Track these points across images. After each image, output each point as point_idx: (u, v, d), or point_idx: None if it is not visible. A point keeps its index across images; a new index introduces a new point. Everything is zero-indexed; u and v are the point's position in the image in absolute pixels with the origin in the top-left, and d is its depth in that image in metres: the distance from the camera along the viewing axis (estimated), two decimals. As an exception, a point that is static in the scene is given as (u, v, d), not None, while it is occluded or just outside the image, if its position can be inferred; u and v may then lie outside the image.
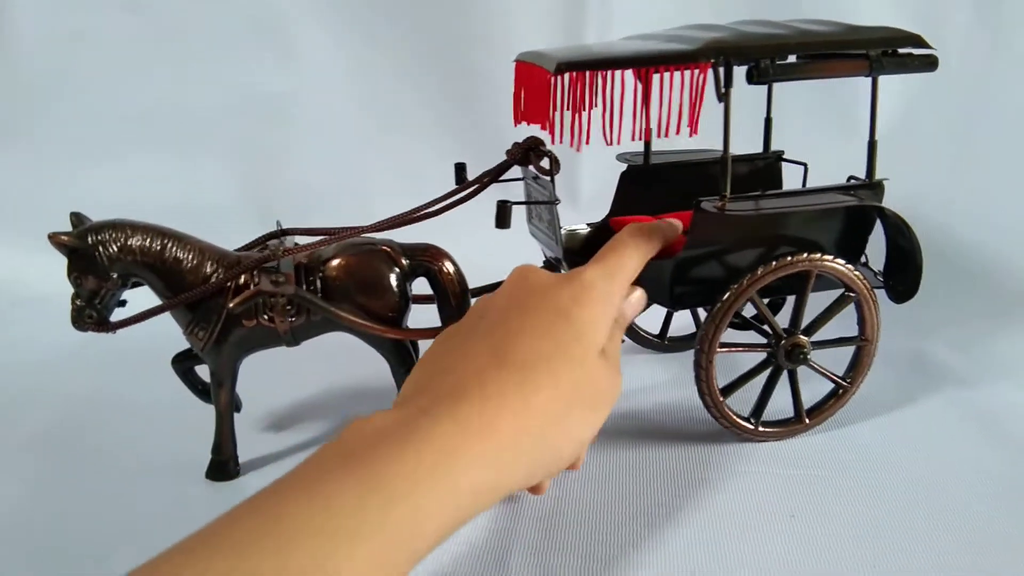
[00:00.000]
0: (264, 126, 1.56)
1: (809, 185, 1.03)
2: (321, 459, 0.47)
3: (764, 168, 1.12)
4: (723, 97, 0.84)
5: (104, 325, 0.84)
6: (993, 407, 1.03)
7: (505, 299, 0.61)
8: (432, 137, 1.55)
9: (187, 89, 1.54)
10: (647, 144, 1.09)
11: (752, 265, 0.89)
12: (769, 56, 0.84)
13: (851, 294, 0.92)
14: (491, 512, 0.83)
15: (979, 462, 0.91)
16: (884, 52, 0.87)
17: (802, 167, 1.06)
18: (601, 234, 1.08)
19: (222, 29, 1.52)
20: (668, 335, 1.22)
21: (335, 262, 0.88)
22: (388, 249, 0.90)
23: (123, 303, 0.86)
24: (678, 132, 0.86)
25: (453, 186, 0.93)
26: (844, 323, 0.96)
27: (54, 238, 0.79)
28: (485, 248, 1.07)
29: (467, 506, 0.47)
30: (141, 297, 0.87)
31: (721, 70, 0.83)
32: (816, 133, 1.32)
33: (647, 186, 1.09)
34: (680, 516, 0.83)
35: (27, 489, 0.90)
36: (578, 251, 1.07)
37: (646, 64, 0.83)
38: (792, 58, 0.89)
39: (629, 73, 0.85)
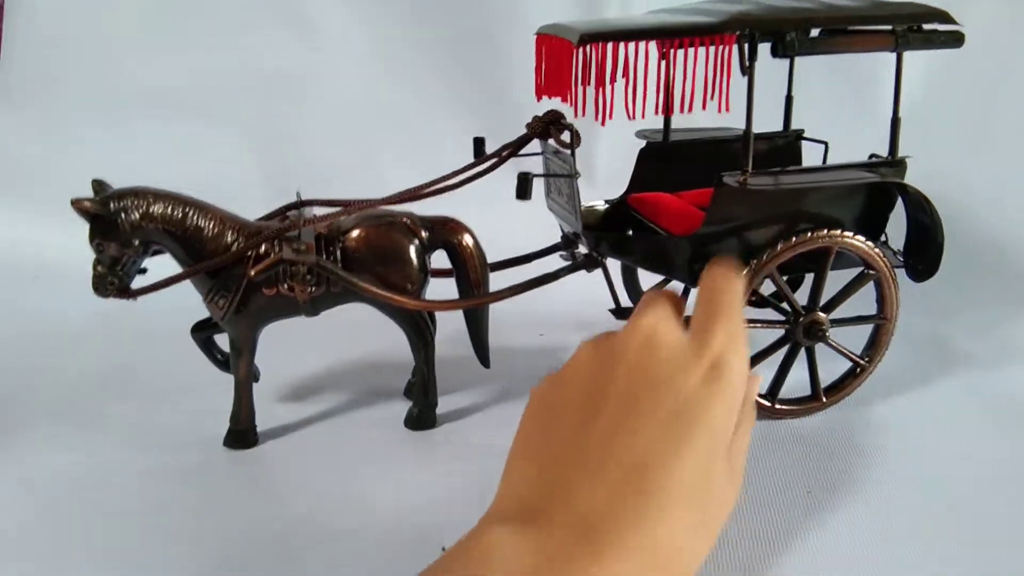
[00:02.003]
0: (281, 99, 1.56)
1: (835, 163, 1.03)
2: None
3: (784, 147, 1.11)
4: (747, 71, 0.84)
5: (125, 291, 0.84)
6: (1010, 389, 1.02)
7: (628, 377, 0.47)
8: (450, 111, 1.54)
9: (205, 62, 1.53)
10: (667, 121, 1.08)
11: (772, 241, 0.89)
12: (795, 30, 0.83)
13: (871, 272, 0.92)
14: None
15: (995, 444, 0.91)
16: (910, 28, 0.86)
17: (823, 146, 1.06)
18: (619, 210, 1.07)
19: (237, 3, 1.52)
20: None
21: (355, 233, 0.88)
22: (408, 221, 0.90)
23: (144, 271, 0.87)
24: (704, 107, 0.86)
25: (471, 160, 0.93)
26: (863, 302, 0.95)
27: (77, 203, 0.80)
28: (504, 223, 1.08)
29: None
30: (161, 267, 0.87)
31: (746, 44, 0.82)
32: (836, 113, 1.30)
33: (666, 163, 1.09)
34: None
35: (47, 458, 0.90)
36: (596, 227, 1.07)
37: (670, 35, 0.83)
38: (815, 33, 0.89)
39: (653, 47, 0.84)
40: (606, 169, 1.53)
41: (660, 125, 1.09)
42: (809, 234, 0.88)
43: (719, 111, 0.83)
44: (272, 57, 1.54)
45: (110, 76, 1.52)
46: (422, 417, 0.95)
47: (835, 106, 1.32)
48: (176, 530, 0.78)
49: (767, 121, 1.11)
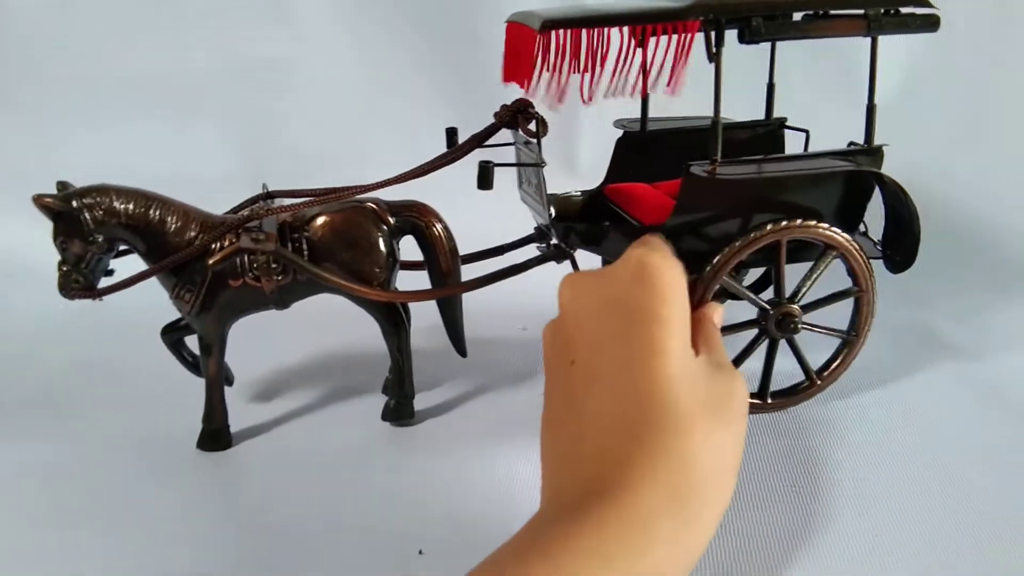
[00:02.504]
0: (262, 92, 1.56)
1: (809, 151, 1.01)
2: None
3: (766, 135, 1.09)
4: (714, 58, 0.82)
5: (91, 291, 0.84)
6: (994, 377, 1.01)
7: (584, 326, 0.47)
8: (429, 102, 1.53)
9: (182, 54, 1.53)
10: (644, 110, 1.06)
11: (742, 233, 0.87)
12: (761, 14, 0.81)
13: (831, 251, 0.90)
14: (486, 483, 0.83)
15: (981, 432, 0.89)
16: (884, 11, 0.84)
17: (804, 134, 1.03)
18: (595, 201, 1.06)
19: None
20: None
21: (320, 221, 0.88)
22: (374, 206, 0.89)
23: (110, 272, 0.87)
24: (660, 91, 0.84)
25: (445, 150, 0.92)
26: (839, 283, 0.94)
27: (39, 200, 0.80)
28: (476, 215, 1.07)
29: None
30: (129, 266, 0.87)
31: (712, 30, 0.80)
32: (822, 100, 1.28)
33: (643, 153, 1.07)
34: None
35: (17, 459, 0.90)
36: (572, 218, 1.06)
37: (634, 22, 0.81)
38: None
39: (616, 33, 0.83)
40: (587, 160, 1.51)
41: (640, 114, 1.07)
42: (769, 227, 0.86)
43: (667, 95, 0.81)
44: (250, 50, 1.54)
45: (88, 70, 1.52)
46: (399, 409, 0.94)
47: (821, 93, 1.29)
48: (148, 532, 0.78)
49: (754, 107, 1.09)
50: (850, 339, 0.94)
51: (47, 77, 1.52)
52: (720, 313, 0.50)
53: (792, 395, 0.95)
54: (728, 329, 0.92)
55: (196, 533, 0.77)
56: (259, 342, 1.00)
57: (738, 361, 0.94)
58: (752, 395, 0.93)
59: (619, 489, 0.38)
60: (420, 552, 0.73)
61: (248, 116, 1.56)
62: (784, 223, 0.87)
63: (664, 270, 0.44)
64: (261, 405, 1.01)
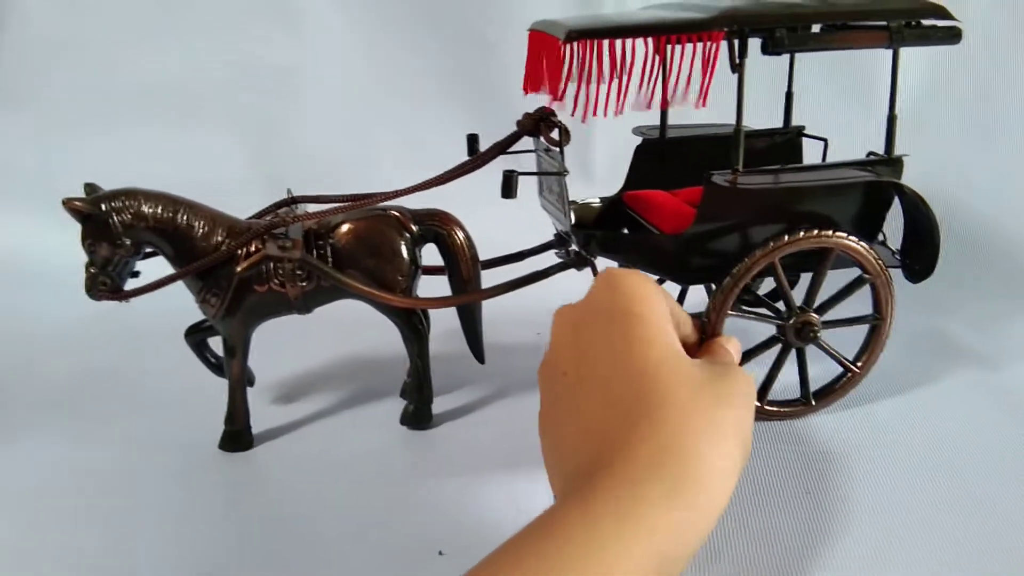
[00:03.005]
0: (272, 97, 1.57)
1: (829, 161, 1.01)
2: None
3: (784, 143, 1.09)
4: (737, 68, 0.83)
5: (118, 293, 0.85)
6: (1011, 385, 1.01)
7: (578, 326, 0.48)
8: (443, 108, 1.54)
9: (194, 60, 1.54)
10: (663, 117, 1.07)
11: (764, 241, 0.88)
12: (785, 26, 0.82)
13: (866, 276, 0.91)
14: (504, 485, 0.84)
15: (998, 442, 0.90)
16: (906, 23, 0.84)
17: (822, 143, 1.04)
18: (614, 208, 1.07)
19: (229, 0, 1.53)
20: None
21: (344, 228, 0.89)
22: (397, 214, 0.90)
23: (136, 274, 0.88)
24: (689, 102, 0.85)
25: (464, 157, 0.92)
26: (862, 304, 0.94)
27: (68, 204, 0.81)
28: (497, 221, 1.07)
29: None
30: (155, 268, 0.88)
31: (735, 40, 0.81)
32: (841, 109, 1.29)
33: (662, 160, 1.08)
34: None
35: (39, 461, 0.91)
36: (590, 225, 1.06)
37: (659, 33, 0.82)
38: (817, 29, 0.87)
39: (641, 43, 0.84)
40: (603, 166, 1.52)
41: (658, 121, 1.08)
42: (801, 234, 0.87)
43: (695, 107, 0.82)
44: (262, 56, 1.55)
45: (101, 76, 1.53)
46: (418, 414, 0.95)
47: (840, 102, 1.30)
48: (171, 533, 0.78)
49: (772, 116, 1.10)
50: (854, 371, 0.95)
51: (60, 83, 1.54)
52: (736, 345, 0.51)
53: (786, 408, 0.95)
54: (745, 315, 0.93)
55: (216, 533, 0.78)
56: (281, 345, 1.01)
57: (747, 357, 0.94)
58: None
59: (606, 471, 0.39)
60: (440, 553, 0.74)
61: (259, 121, 1.57)
62: (825, 232, 0.87)
63: (630, 275, 0.46)
64: (282, 407, 1.01)
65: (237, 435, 0.92)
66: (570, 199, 0.95)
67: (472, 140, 0.96)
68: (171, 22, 1.53)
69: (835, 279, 0.93)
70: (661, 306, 0.45)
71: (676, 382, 0.41)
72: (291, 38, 1.55)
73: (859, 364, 0.95)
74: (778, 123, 1.10)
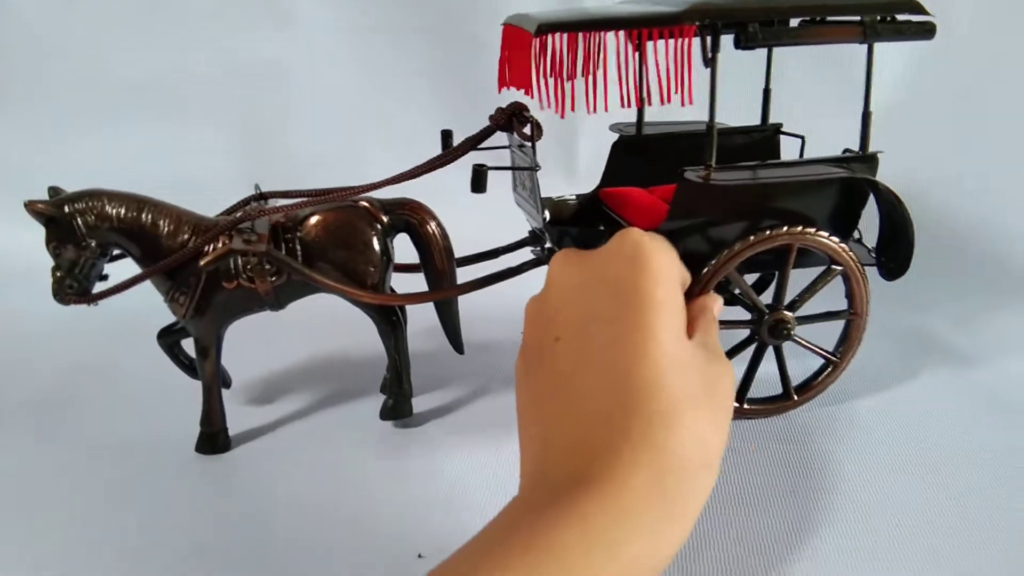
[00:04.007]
0: (261, 95, 1.56)
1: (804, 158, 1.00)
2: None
3: (761, 141, 1.09)
4: (709, 63, 0.82)
5: (85, 296, 0.83)
6: (993, 381, 1.01)
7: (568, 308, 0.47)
8: (432, 106, 1.53)
9: (181, 58, 1.53)
10: (640, 114, 1.06)
11: (737, 238, 0.87)
12: (758, 20, 0.81)
13: (836, 267, 0.90)
14: (486, 485, 0.84)
15: (980, 436, 0.90)
16: (880, 18, 0.83)
17: (800, 140, 1.03)
18: (590, 205, 1.06)
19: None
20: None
21: (313, 220, 0.87)
22: (367, 205, 0.89)
23: (105, 277, 0.86)
24: (669, 100, 0.84)
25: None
26: (837, 298, 0.93)
27: (31, 206, 0.80)
28: (471, 217, 1.06)
29: None
30: (123, 270, 0.87)
31: (708, 35, 0.80)
32: (821, 106, 1.28)
33: (639, 157, 1.07)
34: None
35: (14, 463, 0.90)
36: (566, 221, 1.06)
37: (629, 26, 0.81)
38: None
39: (612, 37, 0.83)
40: (586, 164, 1.51)
41: (636, 118, 1.07)
42: (768, 232, 0.86)
43: (682, 104, 0.81)
44: (248, 52, 1.54)
45: (88, 74, 1.53)
46: (397, 408, 0.94)
47: (820, 99, 1.29)
48: (145, 536, 0.77)
49: (752, 113, 1.09)
50: (834, 361, 0.94)
51: (47, 81, 1.53)
52: (719, 304, 0.50)
53: (768, 405, 0.95)
54: (723, 324, 0.92)
55: (194, 536, 0.77)
56: (256, 344, 1.00)
57: (748, 379, 0.94)
58: None
59: (603, 481, 0.38)
60: (420, 556, 0.73)
61: (248, 119, 1.57)
62: (779, 230, 0.86)
63: (661, 252, 0.44)
64: (259, 407, 1.00)
65: (213, 437, 0.91)
66: (543, 195, 0.94)
67: (446, 135, 0.95)
68: (159, 19, 1.53)
69: (811, 276, 0.92)
70: (678, 289, 0.44)
71: (676, 398, 0.41)
72: (280, 36, 1.54)
73: (838, 355, 0.94)
74: (757, 120, 1.09)
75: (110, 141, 1.51)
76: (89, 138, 1.51)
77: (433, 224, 0.91)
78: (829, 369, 0.95)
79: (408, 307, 0.95)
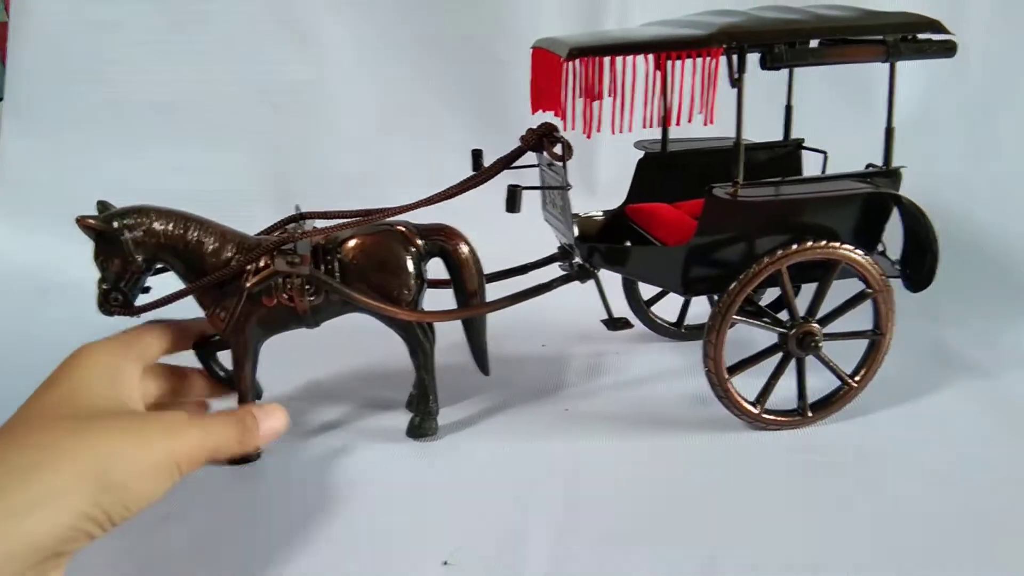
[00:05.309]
0: (287, 116, 1.59)
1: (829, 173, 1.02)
2: None
3: (784, 156, 1.11)
4: (736, 83, 0.84)
5: (129, 308, 0.86)
6: (1013, 396, 1.02)
7: None
8: (454, 125, 1.55)
9: (210, 79, 1.56)
10: (664, 131, 1.08)
11: (765, 253, 0.89)
12: (783, 41, 0.83)
13: (868, 291, 0.92)
14: (509, 494, 0.85)
15: (999, 452, 0.90)
16: (902, 37, 0.86)
17: (822, 155, 1.05)
18: (616, 221, 1.08)
19: (242, 19, 1.55)
20: (685, 323, 1.22)
21: (351, 243, 0.90)
22: (403, 230, 0.92)
23: (147, 289, 0.89)
24: (690, 120, 0.86)
25: (471, 173, 0.94)
26: (863, 317, 0.95)
27: (82, 221, 0.82)
28: (502, 236, 1.08)
29: None
30: (165, 284, 0.89)
31: (735, 56, 0.83)
32: (841, 122, 1.30)
33: (664, 173, 1.09)
34: (698, 501, 0.83)
35: None
36: (593, 238, 1.08)
37: (658, 50, 0.84)
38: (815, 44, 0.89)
39: (641, 59, 0.85)
40: (606, 180, 1.53)
41: (659, 135, 1.09)
42: (810, 243, 0.88)
43: (704, 124, 0.83)
44: (275, 74, 1.57)
45: (118, 95, 1.56)
46: (423, 426, 0.96)
47: (840, 114, 1.31)
48: (173, 546, 0.79)
49: (774, 129, 1.11)
50: (852, 385, 0.96)
51: (81, 101, 1.56)
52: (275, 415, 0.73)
53: (783, 417, 0.96)
54: (748, 321, 0.94)
55: (222, 545, 0.79)
56: (289, 358, 1.01)
57: (746, 364, 0.95)
58: (748, 402, 0.95)
59: None
60: (445, 563, 0.75)
61: (274, 139, 1.59)
62: (805, 245, 0.88)
63: (78, 354, 0.69)
64: (292, 419, 1.02)
65: None
66: (573, 212, 0.96)
67: (476, 155, 0.97)
68: (190, 43, 1.56)
69: (834, 292, 0.94)
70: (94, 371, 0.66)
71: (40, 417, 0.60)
72: (305, 57, 1.57)
73: (857, 379, 0.96)
74: (778, 135, 1.11)
75: (140, 161, 1.54)
76: (119, 159, 1.54)
77: (466, 249, 0.94)
78: (845, 390, 0.96)
79: (437, 325, 0.97)
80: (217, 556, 0.78)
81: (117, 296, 0.85)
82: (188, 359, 0.90)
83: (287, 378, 1.10)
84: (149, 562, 0.77)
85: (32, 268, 1.47)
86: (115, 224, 0.83)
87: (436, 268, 0.97)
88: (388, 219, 0.92)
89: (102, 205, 0.85)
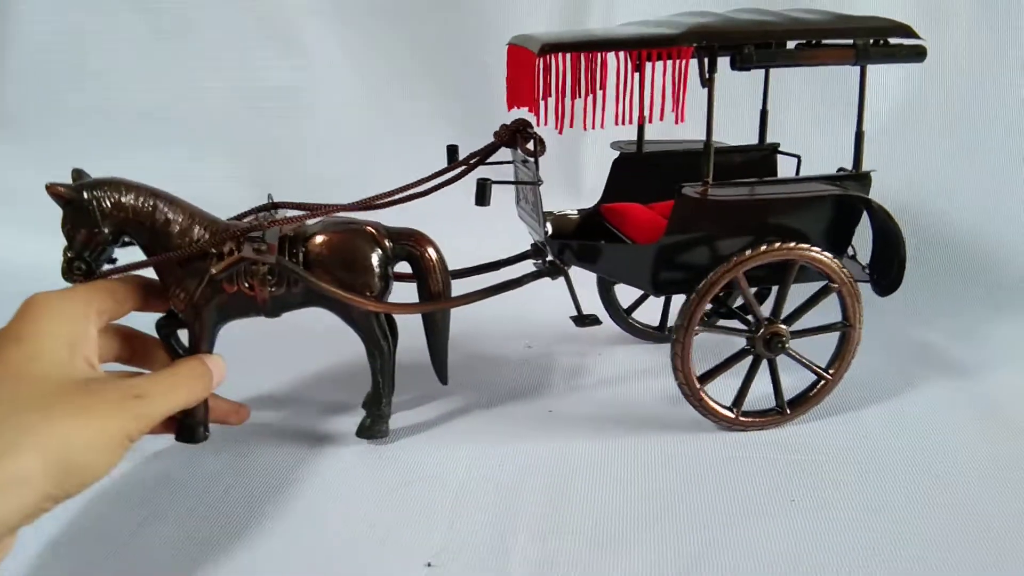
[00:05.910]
0: (272, 120, 1.60)
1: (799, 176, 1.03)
2: None
3: (759, 160, 1.11)
4: (707, 83, 0.84)
5: (91, 278, 0.86)
6: (993, 393, 1.02)
7: None
8: (439, 129, 1.55)
9: (195, 84, 1.57)
10: (640, 132, 1.09)
11: (734, 253, 0.89)
12: (753, 42, 0.84)
13: (832, 285, 0.92)
14: (493, 495, 0.84)
15: (980, 448, 0.91)
16: (873, 42, 0.86)
17: (796, 159, 1.06)
18: (591, 220, 1.08)
19: (226, 25, 1.56)
20: (668, 326, 1.21)
21: (319, 238, 0.90)
22: (372, 230, 0.91)
23: (114, 261, 0.89)
24: (662, 118, 0.87)
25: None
26: (829, 313, 0.95)
27: (52, 188, 0.82)
28: (474, 231, 1.09)
29: None
30: (133, 257, 0.88)
31: (705, 56, 0.83)
32: (819, 126, 1.31)
33: (639, 174, 1.10)
34: (681, 501, 0.83)
35: None
36: (568, 236, 1.08)
37: (629, 47, 0.84)
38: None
39: (612, 56, 0.85)
40: (592, 181, 1.54)
41: (636, 136, 1.10)
42: (764, 247, 0.88)
43: (676, 122, 0.84)
44: (264, 78, 1.58)
45: (103, 101, 1.57)
46: (373, 428, 0.95)
47: (818, 119, 1.31)
48: (153, 551, 0.78)
49: (751, 133, 1.11)
50: (826, 377, 0.96)
51: (66, 108, 1.57)
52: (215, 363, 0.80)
53: (761, 418, 0.96)
54: (711, 329, 0.94)
55: (184, 549, 0.78)
56: (246, 357, 0.99)
57: (718, 371, 0.95)
58: (724, 407, 0.95)
59: None
60: (429, 564, 0.74)
61: (260, 144, 1.60)
62: (792, 244, 0.89)
63: (35, 300, 0.70)
64: (257, 413, 1.00)
65: (193, 428, 0.90)
66: (548, 210, 0.96)
67: (452, 151, 0.98)
68: (174, 48, 1.57)
69: (805, 292, 0.94)
70: (54, 327, 0.69)
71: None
72: (291, 62, 1.58)
73: (831, 371, 0.96)
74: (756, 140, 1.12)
75: (126, 167, 1.50)
76: (106, 164, 1.52)
77: (434, 254, 0.94)
78: (822, 384, 0.97)
79: (412, 326, 0.97)
80: (177, 555, 0.76)
81: (80, 265, 0.84)
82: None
83: (249, 376, 1.05)
84: (80, 557, 0.76)
85: (17, 273, 1.45)
86: (84, 195, 0.83)
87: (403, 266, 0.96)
88: (360, 218, 0.91)
89: (77, 173, 0.85)
